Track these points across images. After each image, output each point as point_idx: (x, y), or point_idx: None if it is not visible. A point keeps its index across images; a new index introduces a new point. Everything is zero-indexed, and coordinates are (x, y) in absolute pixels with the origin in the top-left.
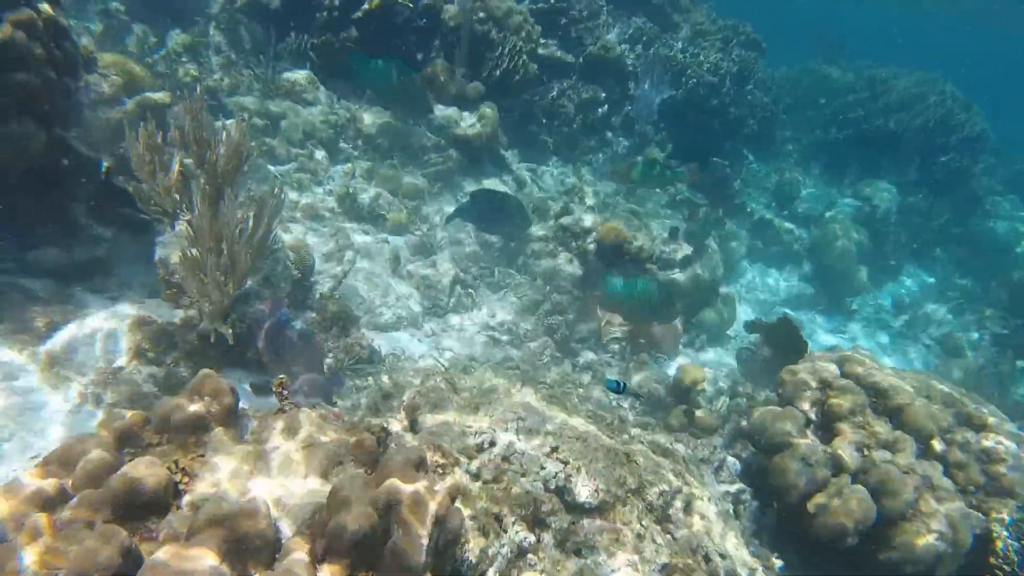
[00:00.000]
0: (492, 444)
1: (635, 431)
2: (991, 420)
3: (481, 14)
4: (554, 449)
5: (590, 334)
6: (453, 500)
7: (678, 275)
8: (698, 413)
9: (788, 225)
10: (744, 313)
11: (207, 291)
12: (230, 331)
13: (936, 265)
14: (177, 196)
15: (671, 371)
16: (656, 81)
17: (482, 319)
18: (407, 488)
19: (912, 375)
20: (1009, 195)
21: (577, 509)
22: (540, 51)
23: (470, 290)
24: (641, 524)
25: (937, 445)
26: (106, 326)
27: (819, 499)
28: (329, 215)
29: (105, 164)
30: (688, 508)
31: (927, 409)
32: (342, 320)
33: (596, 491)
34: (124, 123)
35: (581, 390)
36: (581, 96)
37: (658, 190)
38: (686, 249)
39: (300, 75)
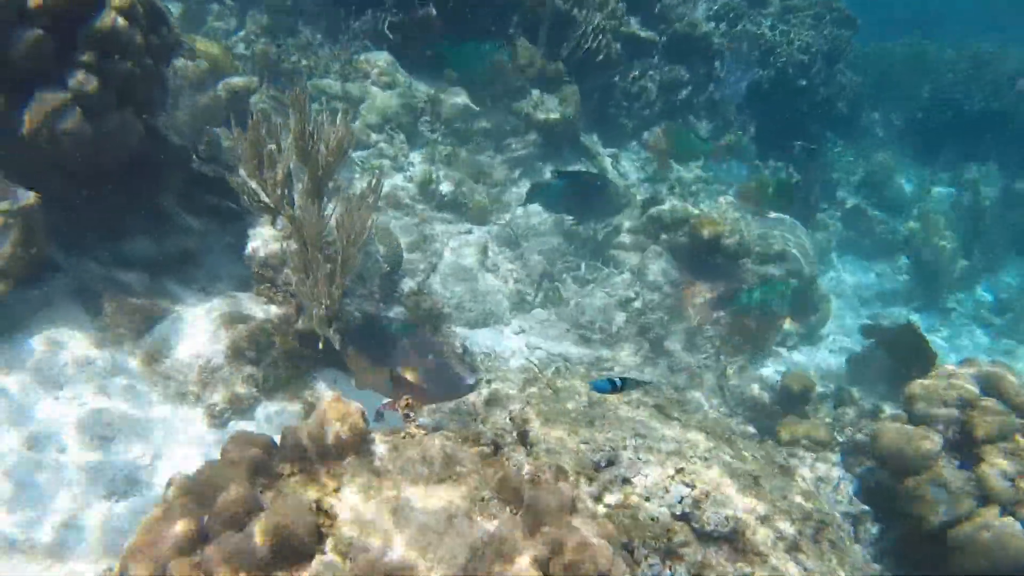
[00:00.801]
0: (611, 463)
1: (746, 444)
2: None
3: None
4: (678, 470)
5: (684, 334)
6: (611, 548)
7: (773, 270)
8: (810, 425)
9: (880, 214)
10: (835, 308)
11: (316, 295)
12: (338, 337)
13: None
14: (282, 191)
15: (764, 371)
16: (743, 61)
17: (570, 315)
18: (571, 541)
19: None
20: None
21: (705, 537)
22: (622, 29)
23: (557, 284)
24: (776, 555)
25: None
26: (202, 322)
27: (963, 532)
28: (410, 202)
29: (194, 153)
30: (817, 535)
31: None
32: (433, 318)
33: (727, 519)
34: (216, 111)
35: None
36: (664, 77)
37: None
38: (780, 243)
39: (378, 57)
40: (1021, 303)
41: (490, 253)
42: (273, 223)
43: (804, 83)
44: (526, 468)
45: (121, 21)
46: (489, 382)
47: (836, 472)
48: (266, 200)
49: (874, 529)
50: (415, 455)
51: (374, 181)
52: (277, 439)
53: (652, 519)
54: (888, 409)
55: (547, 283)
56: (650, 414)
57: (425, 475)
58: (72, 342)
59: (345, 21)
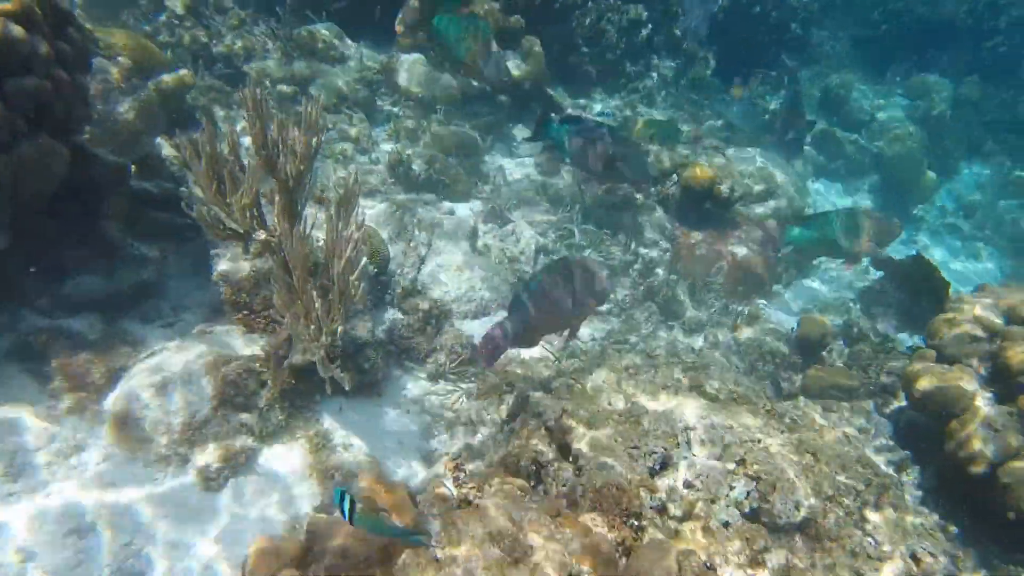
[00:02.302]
0: (665, 465)
1: (786, 407)
2: None
3: None
4: (739, 462)
5: (689, 289)
6: None
7: (760, 210)
8: (836, 373)
9: (850, 135)
10: None
11: (313, 335)
12: (345, 376)
13: (991, 158)
14: (253, 212)
15: (772, 315)
16: None
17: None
18: None
19: None
20: None
21: (779, 531)
22: None
23: (552, 256)
24: (848, 536)
25: None
26: (177, 367)
27: (1014, 469)
28: (383, 188)
29: (135, 169)
30: (879, 500)
31: None
32: (435, 316)
33: (797, 507)
34: (151, 116)
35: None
36: (623, 18)
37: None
38: (764, 182)
39: (322, 28)
40: (982, 205)
41: (479, 233)
42: (245, 250)
43: (758, 9)
44: (585, 494)
45: (16, 30)
46: (511, 385)
47: (873, 420)
48: (234, 227)
49: (915, 472)
50: (479, 532)
51: (351, 180)
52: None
53: (724, 525)
54: (902, 342)
55: (543, 256)
56: (692, 399)
57: (497, 559)
58: (20, 420)
59: None
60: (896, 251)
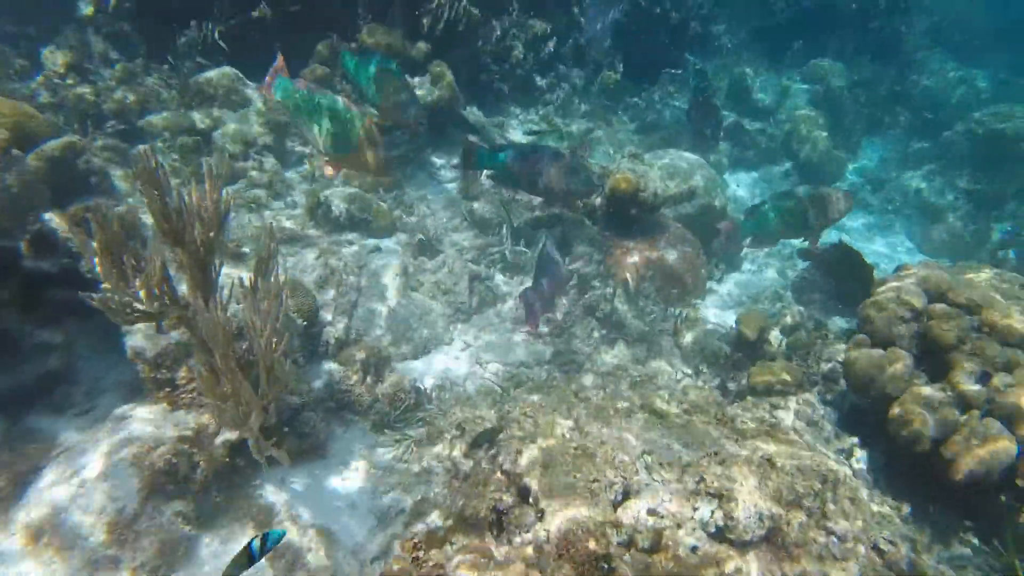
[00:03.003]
0: (627, 495)
1: (736, 412)
2: None
3: None
4: (699, 481)
5: (627, 298)
6: None
7: (688, 209)
8: (778, 369)
9: (755, 124)
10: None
11: (242, 418)
12: (285, 452)
13: (889, 133)
14: (163, 289)
15: (708, 313)
16: (601, 1)
17: (510, 312)
18: None
19: (984, 275)
20: (936, 48)
21: (745, 546)
22: None
23: (487, 283)
24: (815, 541)
25: None
26: (97, 461)
27: (954, 444)
28: (302, 233)
29: (23, 247)
30: (835, 496)
31: None
32: (373, 364)
33: (761, 519)
34: (37, 190)
35: (640, 369)
36: (528, 33)
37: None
38: (686, 182)
39: (217, 73)
40: (886, 180)
41: (410, 268)
42: (158, 329)
43: (658, 10)
44: (550, 540)
45: None
46: (462, 428)
47: (820, 411)
48: (143, 309)
49: (863, 456)
50: None
51: (268, 237)
52: None
53: (692, 550)
54: (833, 325)
55: (477, 284)
56: (645, 419)
57: None
58: None
59: (167, 39)
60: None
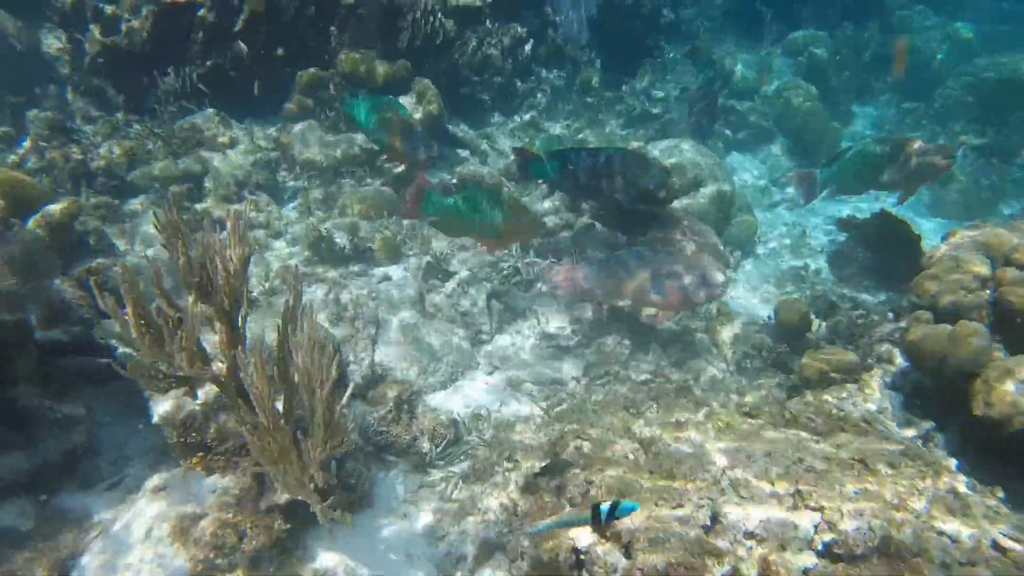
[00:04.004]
0: (716, 519)
1: (799, 407)
2: None
3: None
4: (793, 494)
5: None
6: None
7: (701, 199)
8: (832, 354)
9: (744, 104)
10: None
11: (296, 474)
12: (349, 516)
13: (879, 97)
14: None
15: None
16: None
17: (535, 328)
18: None
19: None
20: (917, 6)
21: (857, 560)
22: (450, 2)
23: (504, 299)
24: (932, 546)
25: None
26: (137, 543)
27: None
28: (307, 269)
29: (34, 319)
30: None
31: None
32: (406, 401)
33: (871, 529)
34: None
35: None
36: (504, 39)
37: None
38: (694, 170)
39: (202, 117)
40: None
41: (424, 294)
42: (192, 395)
43: (630, 2)
44: None
45: None
46: (511, 458)
47: (885, 397)
48: (184, 373)
49: (941, 440)
50: None
51: (293, 279)
52: None
53: (804, 573)
54: (876, 302)
55: (495, 303)
56: (712, 429)
57: None
58: None
59: (143, 90)
60: (829, 207)
